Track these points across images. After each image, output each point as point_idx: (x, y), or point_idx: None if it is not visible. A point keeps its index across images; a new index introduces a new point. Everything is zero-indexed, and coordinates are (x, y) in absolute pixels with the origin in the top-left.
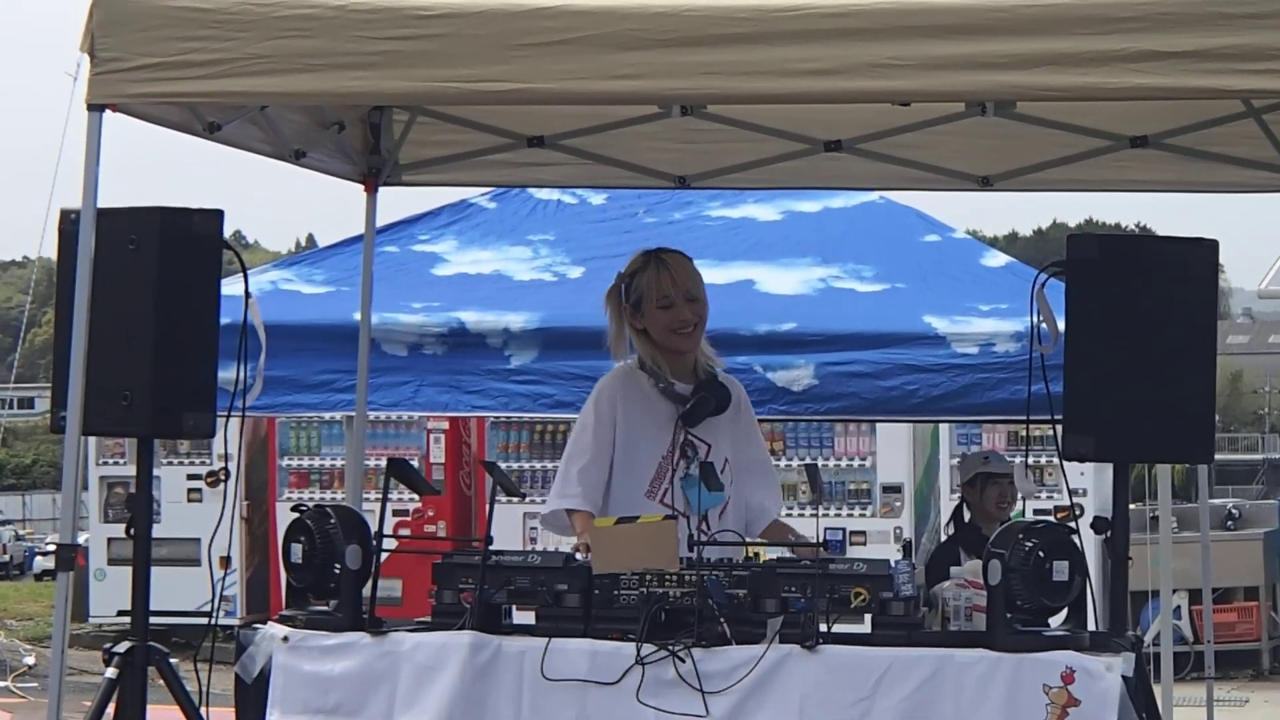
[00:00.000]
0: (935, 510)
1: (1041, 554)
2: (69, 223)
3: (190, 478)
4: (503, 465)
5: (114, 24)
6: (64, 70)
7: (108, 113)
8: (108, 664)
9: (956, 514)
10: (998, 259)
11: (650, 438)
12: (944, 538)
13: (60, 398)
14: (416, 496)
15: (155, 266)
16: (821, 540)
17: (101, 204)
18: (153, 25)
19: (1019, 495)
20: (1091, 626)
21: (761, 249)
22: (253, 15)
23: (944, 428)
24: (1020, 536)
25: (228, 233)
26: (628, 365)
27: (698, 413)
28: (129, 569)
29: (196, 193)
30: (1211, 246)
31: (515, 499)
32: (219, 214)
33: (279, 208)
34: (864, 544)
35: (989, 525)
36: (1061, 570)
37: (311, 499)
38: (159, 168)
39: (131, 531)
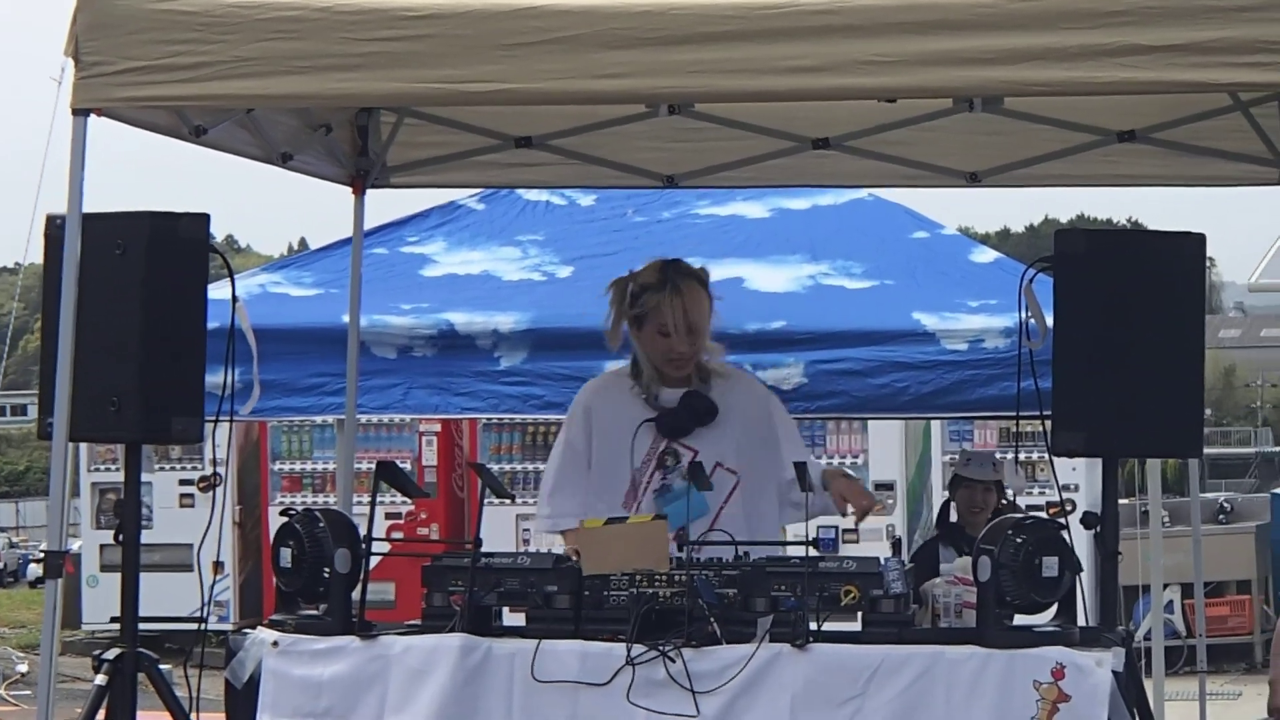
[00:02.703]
0: (928, 507)
1: (1031, 550)
2: (55, 228)
3: (182, 483)
4: (495, 467)
5: (98, 28)
6: (49, 75)
7: (93, 117)
8: (97, 671)
9: (943, 512)
10: (986, 255)
11: (626, 450)
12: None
13: (48, 404)
14: (409, 499)
15: (142, 271)
16: (813, 538)
17: (94, 207)
18: (137, 29)
19: (1009, 493)
20: (1083, 622)
21: (750, 247)
22: (238, 18)
23: (936, 424)
24: (1010, 533)
25: (220, 237)
26: (613, 372)
27: (668, 427)
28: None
29: (189, 197)
30: (1198, 240)
31: (506, 501)
32: (205, 217)
33: (272, 211)
34: (856, 542)
35: (971, 526)
36: (1051, 566)
37: (304, 503)
38: (152, 171)
39: (121, 537)
